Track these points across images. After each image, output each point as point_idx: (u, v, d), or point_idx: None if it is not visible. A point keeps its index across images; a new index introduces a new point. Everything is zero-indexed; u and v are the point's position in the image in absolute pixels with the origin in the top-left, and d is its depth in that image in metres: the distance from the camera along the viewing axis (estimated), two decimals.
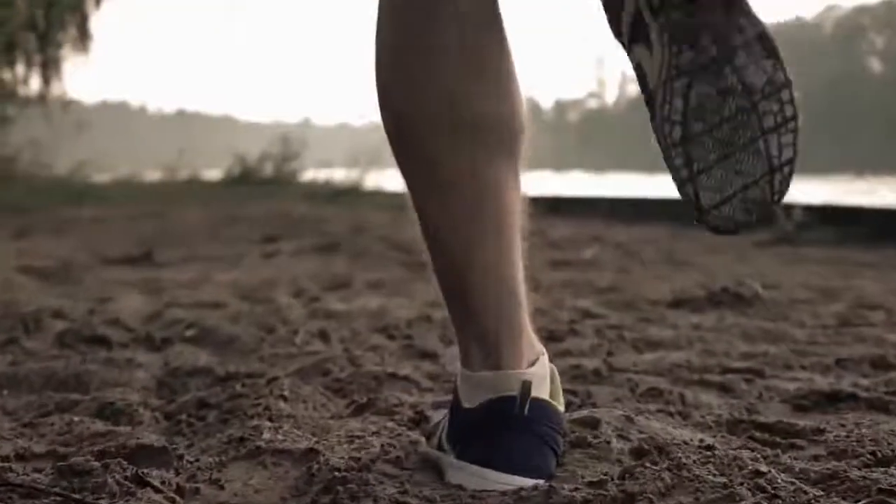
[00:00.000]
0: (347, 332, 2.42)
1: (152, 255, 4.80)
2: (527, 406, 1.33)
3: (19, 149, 13.92)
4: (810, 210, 6.98)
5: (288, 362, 2.05)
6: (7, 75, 17.60)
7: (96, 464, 1.22)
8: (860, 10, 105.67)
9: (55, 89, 18.14)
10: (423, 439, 1.48)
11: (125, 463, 1.24)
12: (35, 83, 17.79)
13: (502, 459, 1.31)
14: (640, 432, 1.43)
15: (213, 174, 16.23)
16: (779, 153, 1.31)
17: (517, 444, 1.32)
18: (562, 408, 1.40)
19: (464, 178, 1.36)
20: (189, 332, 2.42)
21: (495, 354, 1.36)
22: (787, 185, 1.32)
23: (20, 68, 17.76)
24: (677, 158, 1.31)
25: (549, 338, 2.27)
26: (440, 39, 1.35)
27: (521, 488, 1.25)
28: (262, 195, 11.69)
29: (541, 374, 1.37)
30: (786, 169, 1.32)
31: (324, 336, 2.34)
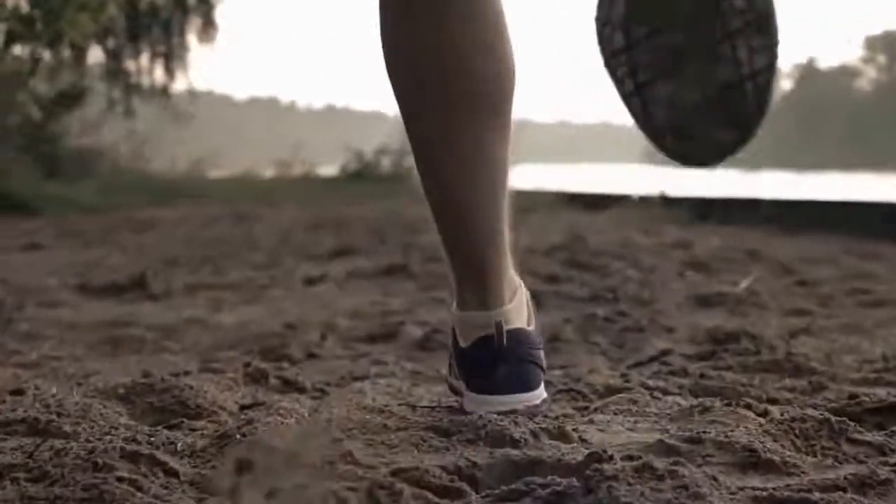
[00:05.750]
0: None
1: (146, 282, 3.56)
2: (504, 339, 1.53)
3: (117, 143, 12.99)
4: None
5: None
6: (132, 66, 16.90)
7: None
8: None
9: (179, 81, 17.47)
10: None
11: None
12: (159, 74, 17.07)
13: (496, 385, 1.54)
14: None
15: (333, 170, 15.23)
16: (749, 59, 1.16)
17: (504, 369, 1.54)
18: (532, 326, 1.60)
19: (459, 138, 1.48)
20: None
21: (481, 293, 1.55)
22: (766, 99, 1.19)
23: (144, 59, 17.06)
24: (620, 68, 1.24)
25: None
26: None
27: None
28: (371, 194, 10.51)
29: (517, 307, 1.57)
30: (760, 78, 1.19)
31: None
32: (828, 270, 4.28)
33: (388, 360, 2.37)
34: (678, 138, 1.20)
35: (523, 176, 10.25)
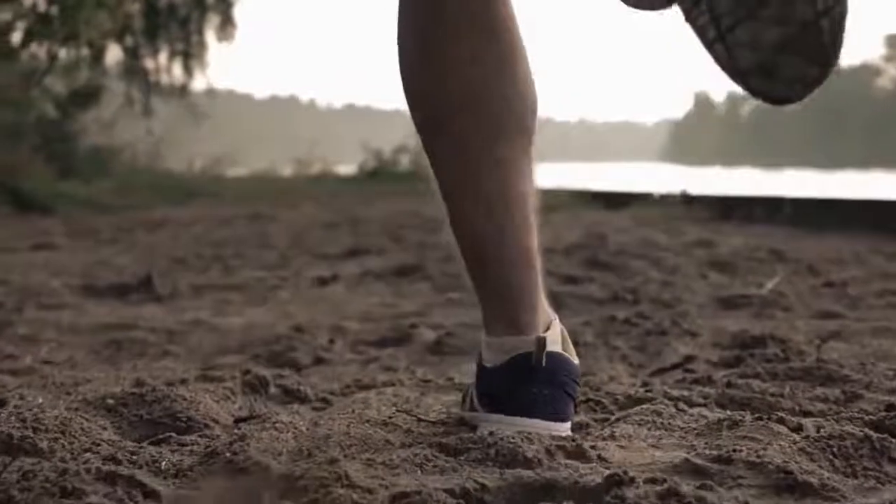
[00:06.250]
0: None
1: (152, 282, 3.45)
2: (543, 358, 1.41)
3: (135, 141, 12.90)
4: None
5: None
6: (150, 64, 16.82)
7: None
8: None
9: (198, 80, 17.40)
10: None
11: None
12: (178, 72, 16.96)
13: (522, 405, 1.41)
14: None
15: (351, 169, 15.16)
16: None
17: (538, 392, 1.41)
18: (575, 360, 1.49)
19: (485, 160, 1.44)
20: None
21: (515, 322, 1.45)
22: (840, 33, 1.25)
23: (162, 57, 16.97)
24: (701, 17, 1.27)
25: None
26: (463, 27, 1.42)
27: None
28: (389, 192, 10.41)
29: (553, 337, 1.45)
30: (834, 12, 1.24)
31: None
32: (855, 271, 4.15)
33: (397, 365, 2.27)
34: (763, 78, 1.25)
35: (544, 174, 10.13)
